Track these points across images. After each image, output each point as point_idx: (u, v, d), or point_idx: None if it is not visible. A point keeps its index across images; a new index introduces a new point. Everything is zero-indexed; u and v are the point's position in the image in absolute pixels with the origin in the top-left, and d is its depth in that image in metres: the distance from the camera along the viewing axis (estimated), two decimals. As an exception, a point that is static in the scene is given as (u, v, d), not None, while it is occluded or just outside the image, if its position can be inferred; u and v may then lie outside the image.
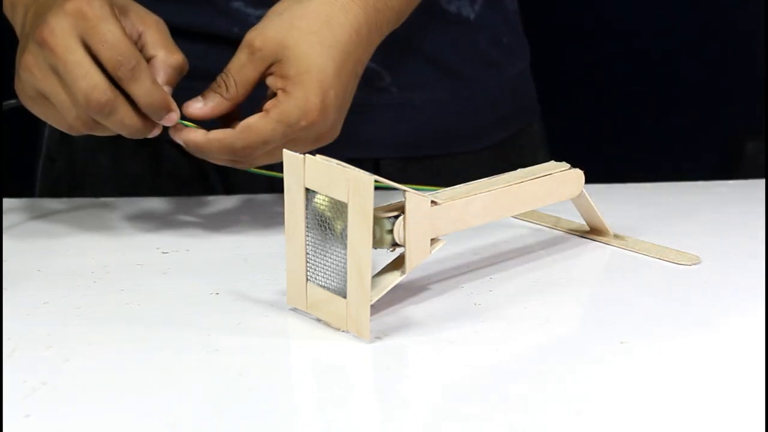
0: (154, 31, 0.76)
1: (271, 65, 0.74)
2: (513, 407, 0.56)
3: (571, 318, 0.68)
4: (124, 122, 0.73)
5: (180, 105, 0.75)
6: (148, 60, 0.75)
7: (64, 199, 0.94)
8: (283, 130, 0.73)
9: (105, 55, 0.71)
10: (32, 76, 0.73)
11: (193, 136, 0.75)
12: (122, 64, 0.71)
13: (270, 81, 0.75)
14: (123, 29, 0.72)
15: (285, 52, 0.74)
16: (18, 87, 0.75)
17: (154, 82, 0.73)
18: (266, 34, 0.74)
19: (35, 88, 0.73)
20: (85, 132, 0.75)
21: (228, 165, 0.77)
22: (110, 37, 0.71)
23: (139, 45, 0.75)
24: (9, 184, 0.94)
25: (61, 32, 0.71)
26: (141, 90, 0.72)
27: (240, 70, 0.74)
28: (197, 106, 0.75)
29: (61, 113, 0.73)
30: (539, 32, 1.24)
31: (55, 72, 0.72)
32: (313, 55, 0.74)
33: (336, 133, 0.78)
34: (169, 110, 0.73)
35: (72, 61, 0.71)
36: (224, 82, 0.75)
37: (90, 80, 0.71)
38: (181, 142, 0.75)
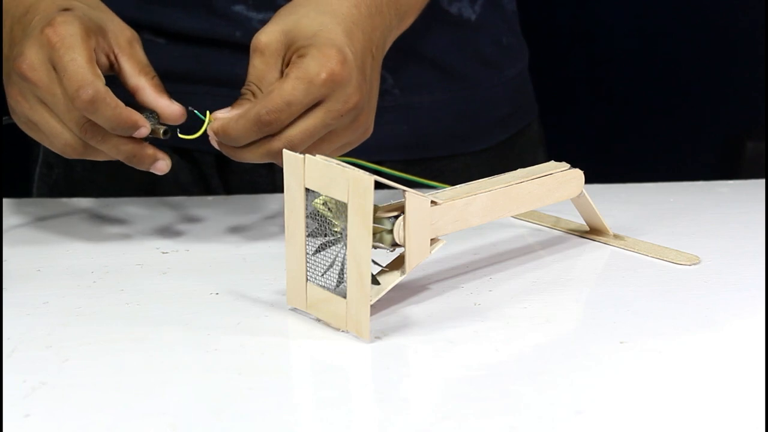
0: (127, 59, 0.74)
1: (284, 57, 0.73)
2: (513, 407, 0.56)
3: (571, 318, 0.68)
4: (118, 147, 0.73)
5: (187, 110, 0.74)
6: (134, 91, 0.74)
7: (64, 200, 0.94)
8: (305, 87, 0.70)
9: (65, 86, 0.70)
10: (20, 106, 0.73)
11: (218, 123, 0.72)
12: (79, 96, 0.69)
13: (289, 68, 0.72)
14: (87, 57, 0.71)
15: (290, 34, 0.73)
16: (12, 114, 0.75)
17: (116, 106, 0.71)
18: (267, 29, 0.73)
19: (26, 116, 0.74)
20: (78, 157, 0.74)
21: (273, 159, 0.73)
22: (70, 66, 0.70)
23: (116, 68, 0.74)
24: (6, 186, 0.94)
25: (39, 64, 0.71)
26: (103, 119, 0.71)
27: (259, 75, 0.73)
28: (225, 109, 0.73)
29: (51, 140, 0.73)
30: (538, 33, 1.24)
31: (42, 102, 0.72)
32: (317, 23, 0.72)
33: (371, 113, 0.75)
34: (136, 127, 0.72)
35: (58, 94, 0.71)
36: (249, 90, 0.73)
37: (77, 112, 0.71)
38: (213, 142, 0.73)
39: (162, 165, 0.74)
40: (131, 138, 0.72)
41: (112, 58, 0.74)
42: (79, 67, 0.70)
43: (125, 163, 0.74)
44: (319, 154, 0.73)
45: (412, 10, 0.82)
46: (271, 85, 0.72)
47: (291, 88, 0.70)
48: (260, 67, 0.73)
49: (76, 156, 0.74)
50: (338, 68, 0.70)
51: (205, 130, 0.73)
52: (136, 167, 0.74)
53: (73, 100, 0.70)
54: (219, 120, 0.72)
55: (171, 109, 0.74)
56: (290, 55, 0.72)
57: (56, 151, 0.74)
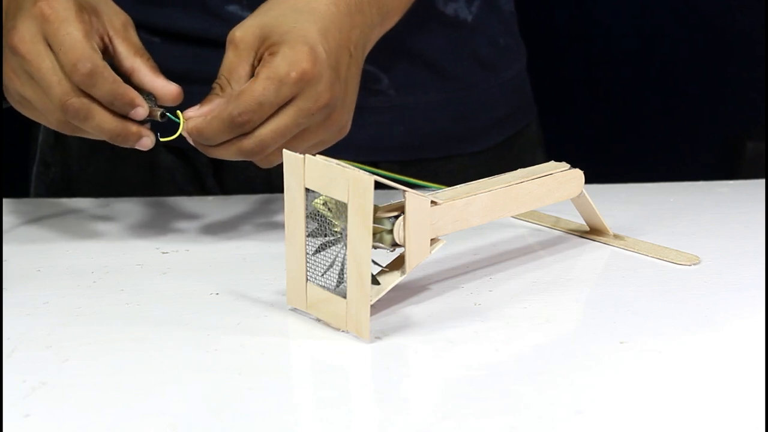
0: (122, 41, 0.74)
1: (257, 52, 0.73)
2: (513, 407, 0.56)
3: (571, 318, 0.68)
4: (102, 127, 0.72)
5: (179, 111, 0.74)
6: (130, 73, 0.74)
7: (64, 200, 0.94)
8: (276, 87, 0.71)
9: (62, 60, 0.70)
10: (13, 83, 0.73)
11: (192, 123, 0.73)
12: (77, 69, 0.70)
13: (260, 66, 0.73)
14: (84, 31, 0.71)
15: (265, 29, 0.73)
16: (5, 91, 0.75)
17: (114, 81, 0.71)
18: (244, 24, 0.74)
19: (18, 93, 0.73)
20: (70, 134, 0.74)
21: (245, 157, 0.74)
22: (67, 40, 0.70)
23: (110, 51, 0.74)
24: (5, 186, 0.94)
25: (30, 38, 0.71)
26: (101, 92, 0.71)
27: (230, 68, 0.74)
28: (195, 107, 0.74)
29: (46, 116, 0.73)
30: (536, 33, 1.24)
31: (32, 78, 0.72)
32: (292, 20, 0.73)
33: (345, 111, 0.75)
34: (133, 105, 0.72)
35: (45, 69, 0.71)
36: (219, 84, 0.74)
37: (64, 86, 0.71)
38: (189, 139, 0.74)
39: (147, 141, 0.74)
40: (115, 117, 0.72)
41: (107, 40, 0.74)
42: (76, 40, 0.70)
43: (110, 141, 0.74)
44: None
45: (396, 9, 0.82)
46: (241, 78, 0.73)
47: (262, 89, 0.71)
48: (232, 60, 0.74)
49: (70, 132, 0.74)
50: (308, 66, 0.71)
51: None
52: (121, 145, 0.74)
53: (71, 74, 0.70)
54: (193, 120, 0.73)
55: (168, 89, 0.74)
56: (263, 50, 0.73)
57: (52, 128, 0.74)
